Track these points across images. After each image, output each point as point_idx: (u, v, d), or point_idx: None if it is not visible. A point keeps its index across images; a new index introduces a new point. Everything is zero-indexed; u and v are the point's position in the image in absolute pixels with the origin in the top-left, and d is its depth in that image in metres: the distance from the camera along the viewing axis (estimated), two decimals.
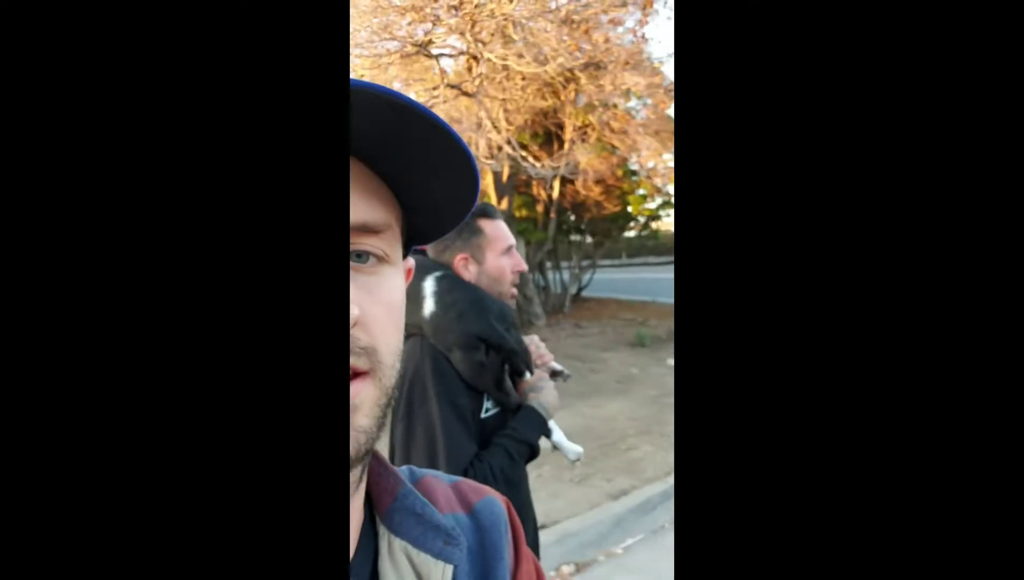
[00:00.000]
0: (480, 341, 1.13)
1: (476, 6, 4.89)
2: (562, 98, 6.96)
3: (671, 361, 6.65)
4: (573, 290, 11.94)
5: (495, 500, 0.52)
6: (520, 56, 5.21)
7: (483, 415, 1.17)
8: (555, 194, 9.32)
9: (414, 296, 1.17)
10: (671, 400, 5.20)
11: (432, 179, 0.40)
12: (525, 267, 1.30)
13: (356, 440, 0.37)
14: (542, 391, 1.24)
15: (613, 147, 7.81)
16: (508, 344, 1.16)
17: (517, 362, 1.21)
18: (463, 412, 1.12)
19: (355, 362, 0.37)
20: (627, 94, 6.65)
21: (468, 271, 1.23)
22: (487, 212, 1.27)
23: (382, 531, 0.44)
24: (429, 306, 1.17)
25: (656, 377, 6.29)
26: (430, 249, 1.27)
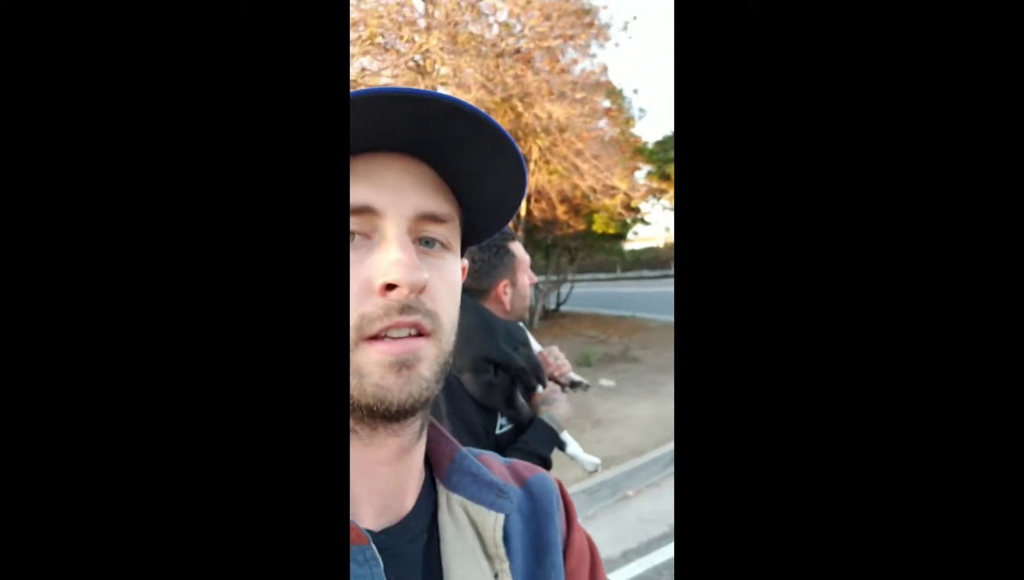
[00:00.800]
0: (488, 362, 1.17)
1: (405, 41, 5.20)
2: (505, 124, 7.23)
3: (605, 381, 6.80)
4: (545, 305, 12.10)
5: (547, 477, 0.56)
6: (444, 85, 5.51)
7: (498, 431, 1.21)
8: (522, 212, 9.52)
9: None
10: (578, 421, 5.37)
11: (487, 178, 0.45)
12: (536, 279, 1.38)
13: (419, 386, 0.42)
14: (553, 404, 1.26)
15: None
16: (515, 363, 1.19)
17: (527, 378, 1.23)
18: (474, 430, 1.16)
19: (422, 321, 0.42)
20: (557, 123, 6.88)
21: (506, 295, 1.28)
22: (511, 235, 1.34)
23: (441, 490, 0.49)
24: None
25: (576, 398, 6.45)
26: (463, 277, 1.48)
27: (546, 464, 1.21)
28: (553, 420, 1.24)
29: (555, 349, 1.42)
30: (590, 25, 6.96)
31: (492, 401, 1.18)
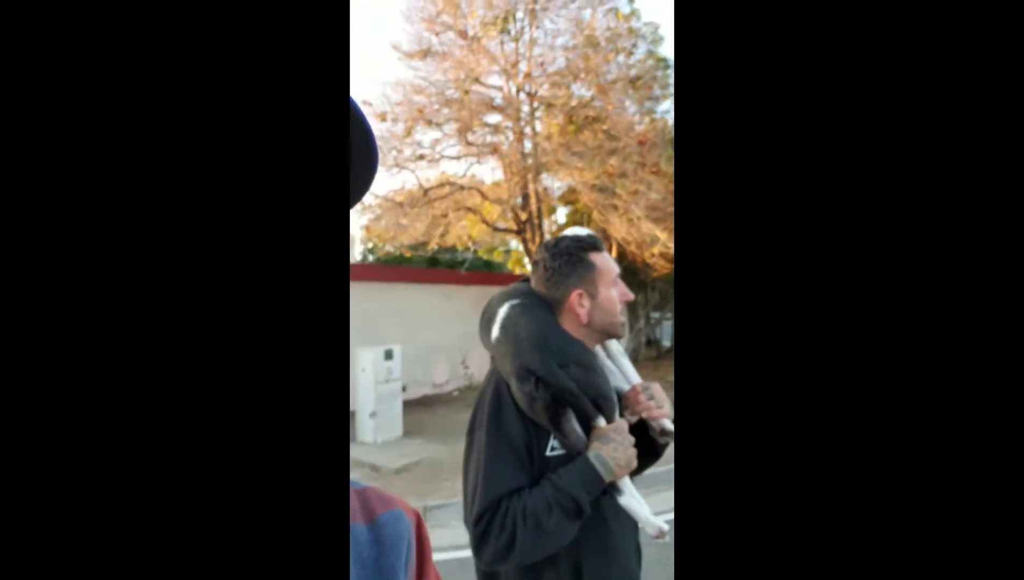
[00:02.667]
0: (530, 373, 1.06)
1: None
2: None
3: None
4: (651, 337, 12.98)
5: (402, 513, 0.49)
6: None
7: (548, 453, 1.09)
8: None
9: (490, 321, 1.17)
10: None
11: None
12: (632, 296, 1.23)
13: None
14: (608, 443, 1.07)
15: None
16: (558, 382, 1.04)
17: (574, 401, 1.06)
18: (513, 441, 1.06)
19: None
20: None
21: (583, 307, 1.16)
22: (596, 245, 1.20)
23: None
24: (495, 332, 1.14)
25: None
26: (536, 283, 1.21)
27: (578, 510, 1.03)
28: (602, 461, 1.06)
29: (656, 387, 1.22)
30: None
31: (536, 416, 1.07)
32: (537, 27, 9.10)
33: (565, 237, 1.21)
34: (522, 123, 9.23)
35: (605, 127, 8.77)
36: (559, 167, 8.71)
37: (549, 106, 9.16)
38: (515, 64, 9.02)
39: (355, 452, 6.22)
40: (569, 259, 1.18)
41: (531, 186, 8.94)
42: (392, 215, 9.09)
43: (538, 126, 9.55)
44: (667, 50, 9.70)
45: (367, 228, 9.80)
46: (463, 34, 8.45)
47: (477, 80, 8.77)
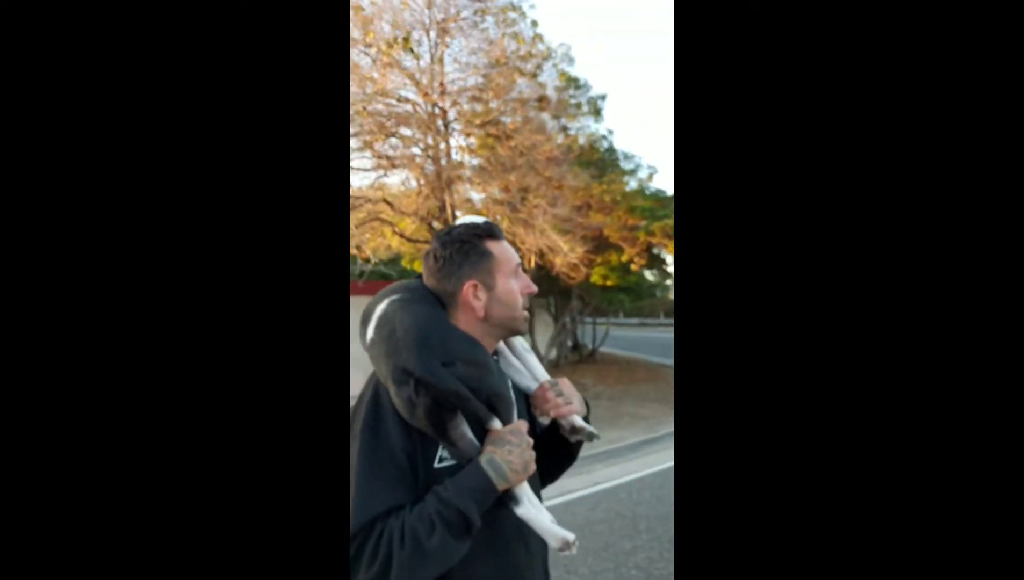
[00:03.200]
0: (407, 375, 0.91)
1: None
2: None
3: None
4: (577, 343, 13.46)
5: None
6: None
7: (437, 464, 0.95)
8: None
9: (365, 321, 1.02)
10: None
11: None
12: (535, 288, 1.10)
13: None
14: (502, 446, 0.93)
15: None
16: (440, 383, 0.89)
17: (469, 406, 0.92)
18: (392, 453, 0.92)
19: None
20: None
21: (478, 299, 1.03)
22: (493, 233, 1.08)
23: None
24: (370, 333, 1.00)
25: None
26: (427, 277, 1.08)
27: (467, 525, 0.89)
28: (494, 466, 0.93)
29: (564, 382, 1.13)
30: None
31: (417, 423, 0.92)
32: (447, 45, 9.41)
33: (459, 225, 1.09)
34: (438, 136, 9.51)
35: (513, 143, 9.14)
36: (469, 181, 9.05)
37: (467, 121, 9.47)
38: (430, 80, 9.29)
39: None
40: (461, 247, 1.05)
41: (446, 198, 9.21)
42: None
43: (452, 141, 9.86)
44: (578, 70, 10.17)
45: None
46: (371, 47, 8.67)
47: (386, 94, 8.99)
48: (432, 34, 9.31)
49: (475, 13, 9.25)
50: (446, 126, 9.66)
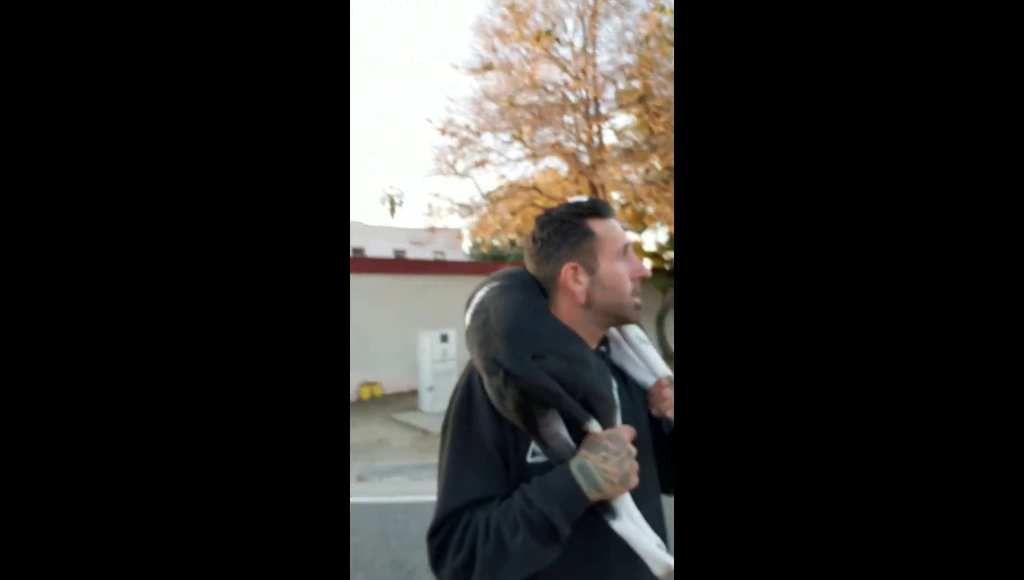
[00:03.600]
0: (497, 366, 0.85)
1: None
2: None
3: None
4: None
5: None
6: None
7: (530, 458, 0.88)
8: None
9: (467, 307, 0.98)
10: None
11: None
12: (647, 271, 0.97)
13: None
14: (598, 453, 0.82)
15: None
16: (528, 377, 0.82)
17: (562, 403, 0.83)
18: (484, 443, 0.87)
19: None
20: None
21: (579, 283, 0.92)
22: (598, 210, 0.96)
23: None
24: (467, 319, 0.95)
25: None
26: (528, 262, 0.99)
27: (553, 532, 0.80)
28: (586, 474, 0.81)
29: (663, 380, 0.97)
30: None
31: (507, 414, 0.85)
32: (597, 28, 9.42)
33: (561, 205, 1.01)
34: (588, 120, 9.64)
35: (663, 120, 8.81)
36: (614, 163, 9.00)
37: (621, 101, 9.43)
38: (585, 64, 9.45)
39: (415, 419, 7.43)
40: (560, 227, 0.95)
41: (594, 181, 9.32)
42: (478, 215, 10.25)
43: (604, 124, 9.86)
44: None
45: (471, 228, 11.05)
46: (527, 39, 9.18)
47: (536, 85, 9.41)
48: (584, 20, 9.43)
49: None
50: (597, 109, 9.70)
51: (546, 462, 0.87)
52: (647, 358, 1.01)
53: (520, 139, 9.54)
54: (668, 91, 8.82)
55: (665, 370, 1.00)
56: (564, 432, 0.86)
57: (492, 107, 9.66)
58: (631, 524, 0.85)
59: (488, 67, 9.56)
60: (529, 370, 0.83)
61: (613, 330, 1.01)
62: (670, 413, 0.96)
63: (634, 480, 0.84)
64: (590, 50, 9.46)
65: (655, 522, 0.92)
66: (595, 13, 9.31)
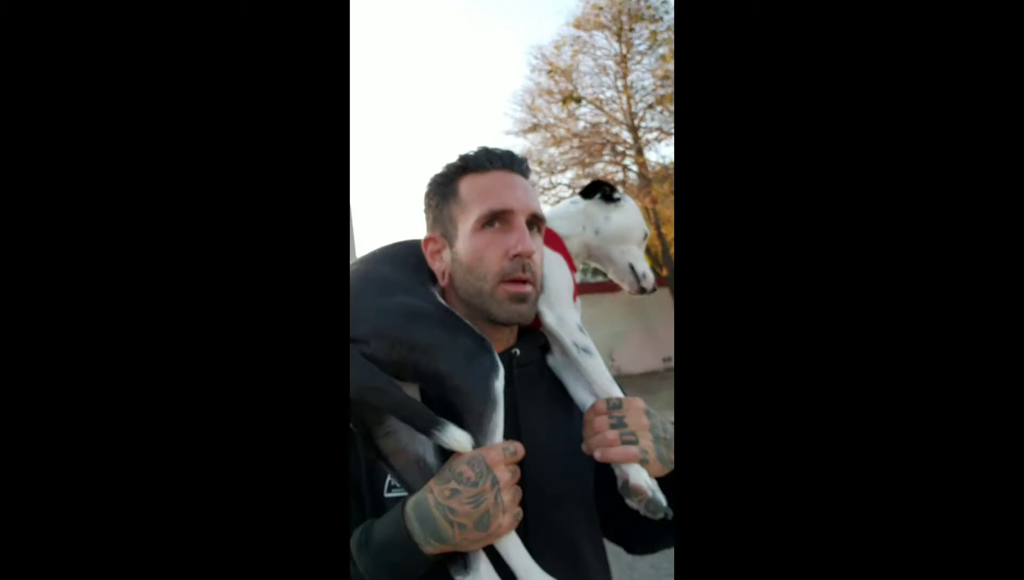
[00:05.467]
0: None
1: None
2: None
3: None
4: None
5: None
6: None
7: (387, 493, 0.66)
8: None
9: None
10: None
11: None
12: (527, 248, 0.66)
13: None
14: (446, 484, 0.58)
15: None
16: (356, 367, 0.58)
17: (387, 403, 0.59)
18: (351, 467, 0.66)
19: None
20: None
21: (440, 260, 0.70)
22: (469, 165, 0.70)
23: None
24: None
25: None
26: None
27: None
28: (423, 515, 0.58)
29: (634, 404, 0.66)
30: None
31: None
32: (629, 72, 10.74)
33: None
34: (633, 154, 10.79)
35: None
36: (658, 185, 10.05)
37: (660, 133, 10.56)
38: (621, 107, 10.73)
39: None
40: (436, 190, 0.71)
41: (646, 203, 10.32)
42: None
43: (648, 153, 10.99)
44: None
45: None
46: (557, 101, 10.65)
47: (578, 135, 10.77)
48: (611, 71, 10.79)
49: (648, 39, 10.41)
50: (637, 142, 10.80)
51: (402, 496, 0.62)
52: (587, 370, 0.71)
53: (582, 168, 10.84)
54: None
55: (608, 389, 0.69)
56: (416, 447, 0.63)
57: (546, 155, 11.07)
58: None
59: (533, 129, 11.03)
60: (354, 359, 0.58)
61: (552, 330, 0.72)
62: (599, 453, 0.64)
63: (500, 523, 0.57)
64: (622, 97, 10.73)
65: (584, 573, 0.67)
66: (624, 58, 10.64)
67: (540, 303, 0.71)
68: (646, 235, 0.83)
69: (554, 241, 0.76)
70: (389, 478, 0.66)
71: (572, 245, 0.79)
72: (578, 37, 10.77)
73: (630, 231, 0.80)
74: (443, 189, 0.72)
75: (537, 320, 0.72)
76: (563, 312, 0.72)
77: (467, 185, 0.70)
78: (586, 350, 0.71)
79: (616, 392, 0.69)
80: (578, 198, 0.83)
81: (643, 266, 0.81)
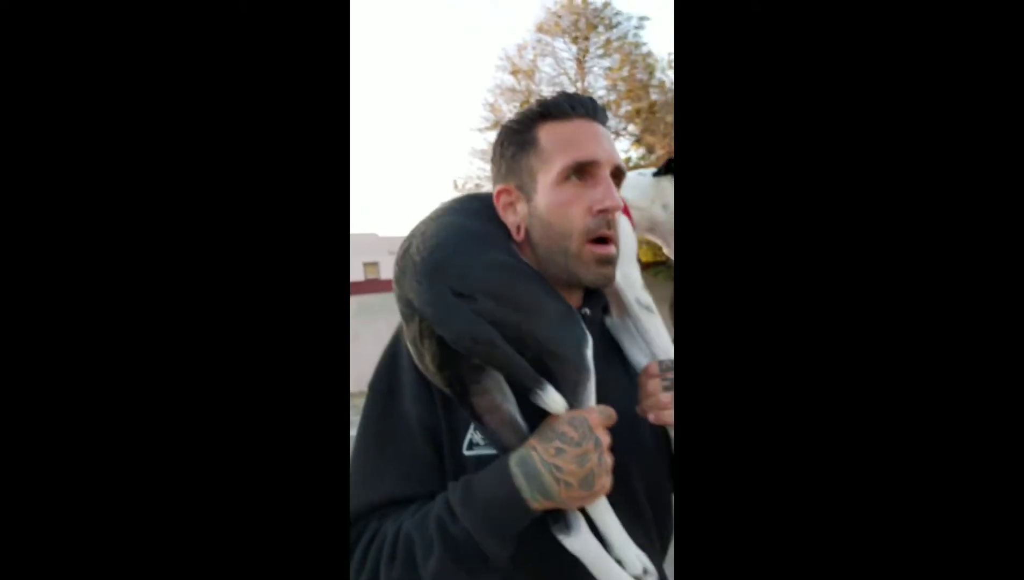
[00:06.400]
0: (411, 308, 0.60)
1: None
2: None
3: None
4: None
5: None
6: None
7: (466, 451, 0.64)
8: None
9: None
10: None
11: None
12: (615, 202, 0.65)
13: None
14: (550, 443, 0.58)
15: None
16: (447, 321, 0.57)
17: (495, 362, 0.58)
18: (406, 424, 0.65)
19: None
20: None
21: (514, 212, 0.67)
22: (550, 111, 0.67)
23: None
24: (397, 255, 0.65)
25: None
26: None
27: (481, 557, 0.57)
28: (529, 472, 0.57)
29: (659, 364, 0.66)
30: None
31: (431, 377, 0.62)
32: (587, 73, 11.61)
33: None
34: None
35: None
36: None
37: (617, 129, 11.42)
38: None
39: None
40: (512, 138, 0.68)
41: None
42: None
43: None
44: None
45: None
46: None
47: None
48: (571, 72, 11.64)
49: (602, 47, 11.33)
50: None
51: (490, 454, 0.62)
52: (644, 331, 0.71)
53: None
54: (662, 113, 10.72)
55: (665, 352, 0.70)
56: (509, 406, 0.61)
57: None
58: (590, 544, 0.59)
59: (495, 126, 11.81)
60: (449, 311, 0.58)
61: (616, 288, 0.70)
62: (653, 416, 0.64)
63: (603, 483, 0.58)
64: (579, 90, 11.59)
65: (650, 540, 0.66)
66: (580, 62, 11.49)
67: None
68: None
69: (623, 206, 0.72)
70: (469, 436, 0.64)
71: (636, 217, 0.76)
72: (540, 40, 11.59)
73: None
74: (519, 137, 0.67)
75: None
76: (629, 269, 0.71)
77: (547, 133, 0.66)
78: (648, 308, 0.71)
79: (669, 351, 0.70)
80: (646, 171, 0.81)
81: None
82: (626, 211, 0.75)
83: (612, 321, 0.75)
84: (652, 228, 0.83)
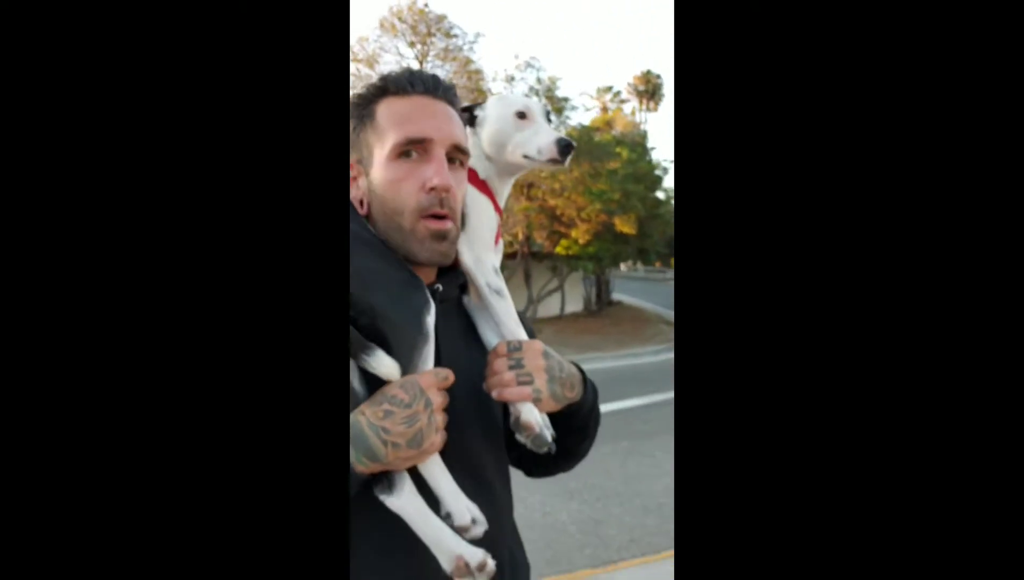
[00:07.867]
0: None
1: None
2: None
3: None
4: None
5: None
6: None
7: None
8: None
9: None
10: None
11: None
12: (445, 182, 0.66)
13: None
14: (379, 406, 0.60)
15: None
16: None
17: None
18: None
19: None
20: None
21: (357, 187, 0.70)
22: (389, 86, 0.70)
23: None
24: None
25: None
26: None
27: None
28: (357, 435, 0.59)
29: (533, 347, 0.71)
30: None
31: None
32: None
33: None
34: None
35: None
36: None
37: None
38: None
39: None
40: (354, 112, 0.71)
41: None
42: None
43: None
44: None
45: None
46: None
47: None
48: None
49: (439, 55, 12.25)
50: None
51: None
52: (496, 312, 0.73)
53: None
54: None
55: (514, 331, 0.73)
56: (352, 377, 0.61)
57: None
58: (412, 502, 0.62)
59: None
60: None
61: (466, 269, 0.73)
62: (496, 393, 0.68)
63: (433, 441, 0.61)
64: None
65: (490, 505, 0.67)
66: (421, 63, 12.26)
67: (459, 242, 0.70)
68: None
69: (481, 185, 0.74)
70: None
71: (495, 186, 0.77)
72: (380, 36, 12.08)
73: (497, 129, 0.74)
74: (360, 111, 0.69)
75: (456, 259, 0.71)
76: (481, 253, 0.73)
77: (385, 109, 0.68)
78: (498, 292, 0.73)
79: (521, 334, 0.72)
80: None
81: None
82: (489, 193, 0.76)
83: (469, 301, 0.77)
84: (508, 173, 0.80)
